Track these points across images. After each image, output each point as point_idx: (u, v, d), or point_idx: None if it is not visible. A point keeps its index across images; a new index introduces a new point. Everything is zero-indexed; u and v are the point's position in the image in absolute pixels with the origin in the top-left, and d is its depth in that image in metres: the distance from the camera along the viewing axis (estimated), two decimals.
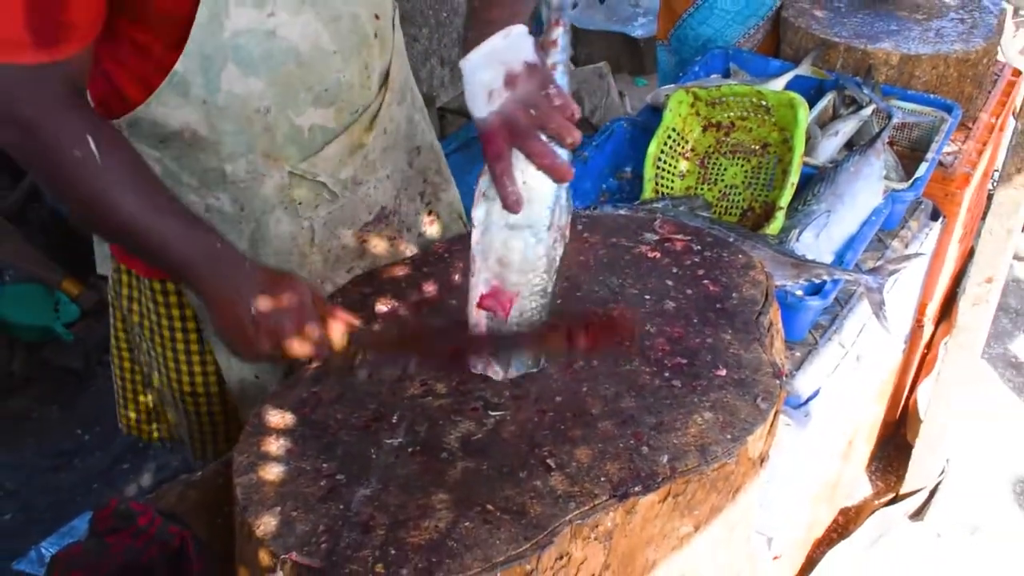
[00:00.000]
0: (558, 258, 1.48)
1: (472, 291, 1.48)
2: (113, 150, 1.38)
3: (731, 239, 1.99)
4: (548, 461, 1.37)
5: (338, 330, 1.47)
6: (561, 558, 1.28)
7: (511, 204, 1.38)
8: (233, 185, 1.65)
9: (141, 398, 2.09)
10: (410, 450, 1.40)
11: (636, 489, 1.33)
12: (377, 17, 1.67)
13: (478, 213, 1.43)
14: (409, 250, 1.91)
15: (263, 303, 1.41)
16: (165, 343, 1.88)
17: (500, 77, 1.33)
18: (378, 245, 1.87)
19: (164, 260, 1.43)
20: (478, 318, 1.49)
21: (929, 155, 2.58)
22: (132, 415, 2.12)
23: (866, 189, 2.43)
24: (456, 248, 1.84)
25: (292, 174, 1.67)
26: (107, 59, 1.52)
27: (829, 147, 2.70)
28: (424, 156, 1.96)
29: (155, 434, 2.13)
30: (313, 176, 1.69)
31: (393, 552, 1.23)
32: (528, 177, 1.39)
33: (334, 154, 1.70)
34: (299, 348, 1.44)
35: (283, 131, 1.61)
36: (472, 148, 4.41)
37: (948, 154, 2.83)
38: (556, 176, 1.39)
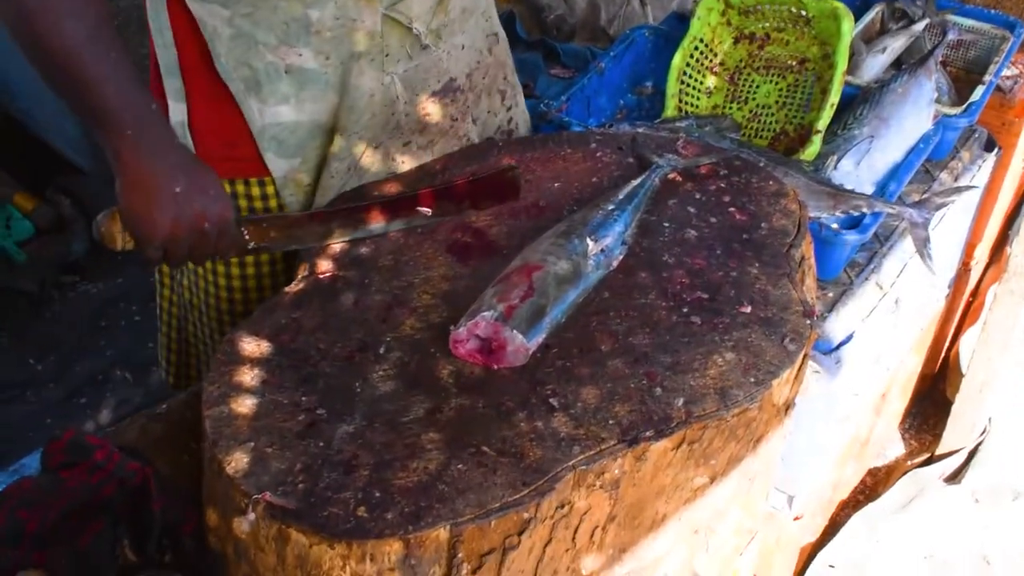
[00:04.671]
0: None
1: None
2: None
3: (761, 164, 1.98)
4: (551, 400, 1.37)
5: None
6: (562, 507, 1.29)
7: None
8: (318, 36, 1.68)
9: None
10: (398, 385, 1.40)
11: (647, 434, 1.34)
12: None
13: None
14: (467, 138, 1.98)
15: (191, 184, 1.47)
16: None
17: None
18: (440, 122, 1.90)
19: (87, 96, 1.43)
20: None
21: (986, 78, 2.55)
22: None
23: (914, 113, 2.41)
24: (453, 165, 1.83)
25: (386, 17, 1.71)
26: None
27: (875, 65, 2.67)
28: (501, 48, 2.03)
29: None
30: (407, 20, 1.74)
31: (377, 494, 1.23)
32: None
33: (422, 1, 1.75)
34: (210, 242, 1.53)
35: None
36: None
37: (1007, 78, 2.79)
38: None
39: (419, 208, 1.71)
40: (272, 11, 1.64)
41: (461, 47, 1.88)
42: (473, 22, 1.91)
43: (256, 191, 1.82)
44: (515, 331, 1.42)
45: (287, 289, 1.59)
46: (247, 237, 1.60)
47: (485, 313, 1.44)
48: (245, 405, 1.36)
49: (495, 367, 1.43)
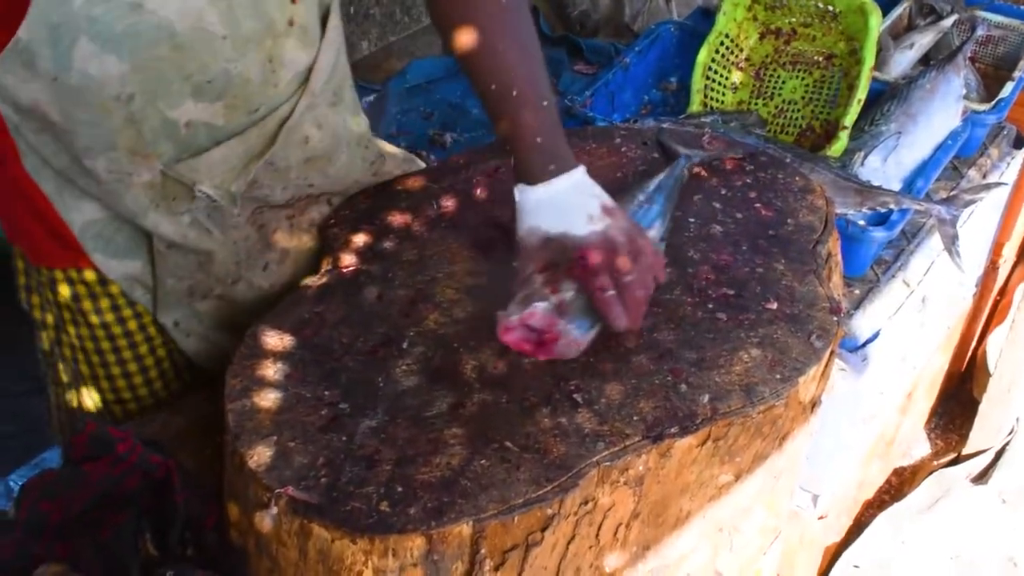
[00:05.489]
0: None
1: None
2: None
3: (788, 160, 1.97)
4: (575, 396, 1.36)
5: None
6: (586, 503, 1.28)
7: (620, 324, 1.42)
8: (95, 183, 1.47)
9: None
10: (422, 380, 1.39)
11: (672, 430, 1.32)
12: (294, 1, 1.45)
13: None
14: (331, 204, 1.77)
15: None
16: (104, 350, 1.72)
17: (596, 206, 1.45)
18: (286, 237, 1.71)
19: None
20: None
21: (1016, 74, 2.54)
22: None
23: (942, 110, 2.39)
24: (477, 160, 1.83)
25: (165, 175, 1.47)
26: None
27: (903, 61, 2.66)
28: (389, 162, 1.82)
29: None
30: (191, 182, 1.49)
31: (400, 489, 1.23)
32: None
33: (221, 159, 1.50)
34: None
35: (152, 124, 1.42)
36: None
37: None
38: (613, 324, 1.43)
39: None
40: (55, 141, 1.44)
41: (309, 185, 1.67)
42: (339, 162, 1.68)
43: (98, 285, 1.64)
44: (570, 325, 1.40)
45: (309, 282, 1.58)
46: None
47: (539, 304, 1.40)
48: (267, 399, 1.36)
49: (541, 359, 1.42)
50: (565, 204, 1.46)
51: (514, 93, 1.48)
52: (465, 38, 1.50)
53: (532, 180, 1.47)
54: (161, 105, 1.40)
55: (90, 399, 1.76)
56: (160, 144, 1.44)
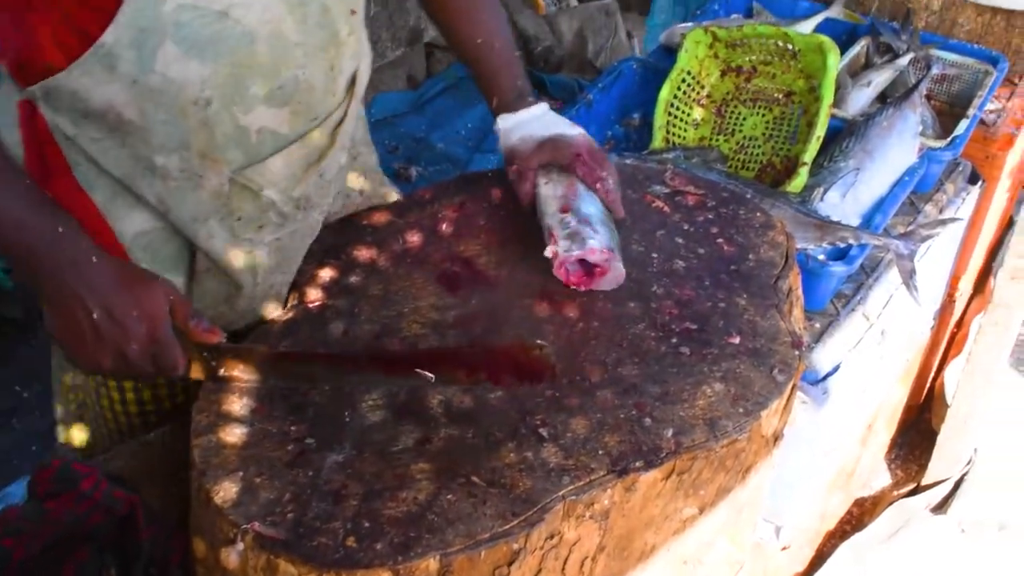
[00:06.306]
0: None
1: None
2: None
3: (749, 195, 1.99)
4: (540, 431, 1.37)
5: (194, 349, 1.43)
6: (552, 537, 1.28)
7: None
8: (163, 181, 1.50)
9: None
10: (388, 414, 1.39)
11: (637, 464, 1.33)
12: (353, 12, 1.57)
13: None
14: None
15: (108, 307, 1.36)
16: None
17: (567, 120, 1.81)
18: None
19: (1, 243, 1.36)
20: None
21: (970, 112, 2.57)
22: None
23: (899, 146, 2.42)
24: (442, 195, 1.83)
25: (234, 181, 1.52)
26: (29, 11, 1.39)
27: (860, 98, 2.69)
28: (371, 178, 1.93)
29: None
30: (259, 187, 1.54)
31: (367, 524, 1.23)
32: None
33: (284, 166, 1.57)
34: (142, 366, 1.39)
35: (223, 130, 1.48)
36: (460, 89, 4.39)
37: (991, 112, 2.82)
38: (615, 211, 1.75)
39: (421, 372, 1.45)
40: (120, 145, 1.47)
41: (329, 203, 1.74)
42: (342, 176, 1.77)
43: None
44: (620, 261, 1.60)
45: (275, 317, 1.58)
46: (214, 364, 1.45)
47: (592, 240, 1.59)
48: (234, 434, 1.35)
49: (586, 289, 1.61)
50: (546, 119, 1.80)
51: (496, 46, 1.81)
52: (453, 4, 1.82)
53: (515, 109, 1.80)
54: (235, 110, 1.47)
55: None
56: (230, 150, 1.50)
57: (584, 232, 1.60)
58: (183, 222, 1.54)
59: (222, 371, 1.44)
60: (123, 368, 1.39)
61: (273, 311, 1.64)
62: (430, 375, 1.44)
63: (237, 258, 1.59)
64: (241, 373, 1.44)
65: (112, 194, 1.53)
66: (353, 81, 1.65)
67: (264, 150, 1.53)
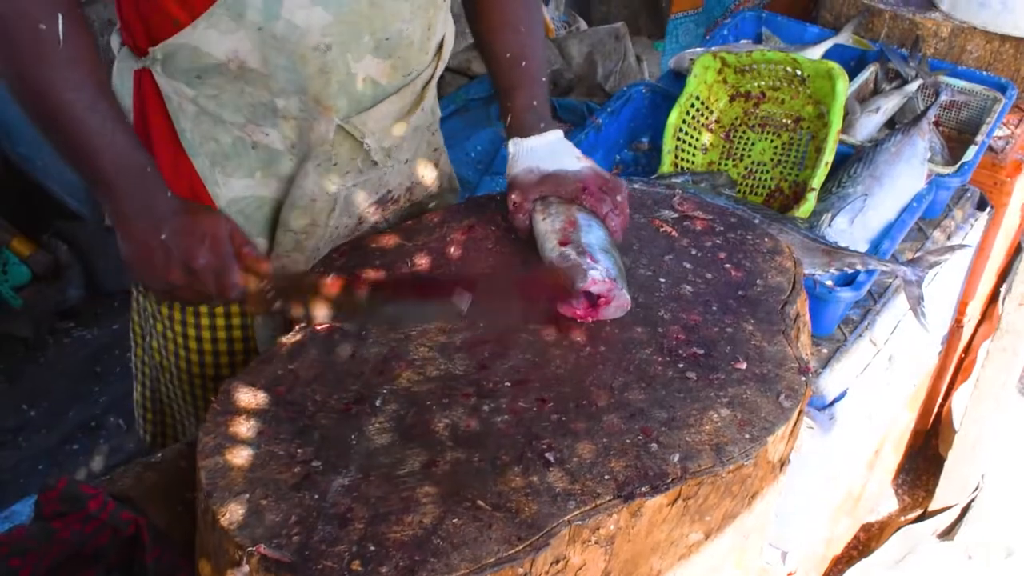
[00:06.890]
0: None
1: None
2: (79, 39, 1.42)
3: (757, 221, 1.99)
4: (547, 455, 1.37)
5: (254, 270, 1.54)
6: (557, 562, 1.28)
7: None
8: (285, 120, 1.67)
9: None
10: (394, 438, 1.39)
11: (643, 490, 1.33)
12: None
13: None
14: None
15: (176, 228, 1.49)
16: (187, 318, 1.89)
17: (578, 152, 1.77)
18: (367, 226, 1.88)
19: (85, 163, 1.47)
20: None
21: (979, 138, 2.58)
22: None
23: (907, 172, 2.43)
24: (450, 218, 1.84)
25: (340, 128, 1.68)
26: None
27: (869, 124, 2.69)
28: (444, 159, 2.02)
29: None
30: (360, 135, 1.70)
31: (372, 548, 1.22)
32: None
33: (382, 116, 1.72)
34: (206, 282, 1.50)
35: (338, 77, 1.63)
36: (469, 111, 4.40)
37: (999, 138, 2.82)
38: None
39: (459, 293, 1.47)
40: (239, 94, 1.63)
41: (405, 162, 1.86)
42: (420, 139, 1.89)
43: None
44: (624, 288, 1.58)
45: (284, 340, 1.58)
46: (269, 289, 1.55)
47: (594, 272, 1.56)
48: (240, 456, 1.35)
49: (590, 320, 1.59)
50: (554, 150, 1.77)
51: (523, 64, 1.80)
52: (495, 15, 1.83)
53: (525, 134, 1.77)
54: (349, 57, 1.62)
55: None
56: (339, 98, 1.66)
57: (584, 264, 1.58)
58: (299, 155, 1.70)
59: (271, 294, 1.54)
60: (189, 283, 1.50)
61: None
62: (468, 294, 1.48)
63: (320, 197, 1.74)
64: (289, 301, 1.54)
65: (213, 161, 1.70)
66: (441, 45, 1.80)
67: (365, 101, 1.69)
